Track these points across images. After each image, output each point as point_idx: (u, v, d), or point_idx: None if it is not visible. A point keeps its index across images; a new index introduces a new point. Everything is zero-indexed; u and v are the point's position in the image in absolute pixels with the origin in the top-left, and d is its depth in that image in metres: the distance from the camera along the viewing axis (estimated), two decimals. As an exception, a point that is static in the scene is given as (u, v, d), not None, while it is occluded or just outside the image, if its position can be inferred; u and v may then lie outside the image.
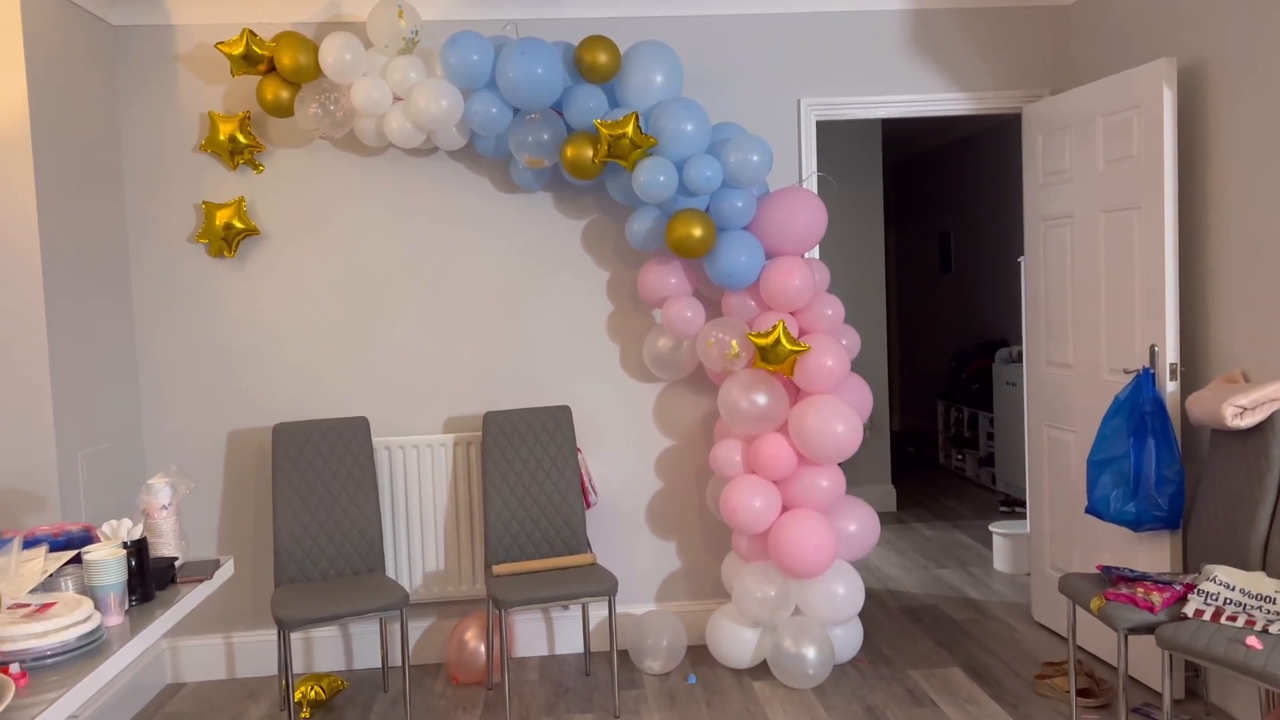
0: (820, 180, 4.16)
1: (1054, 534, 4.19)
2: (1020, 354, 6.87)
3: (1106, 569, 3.26)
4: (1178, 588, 3.02)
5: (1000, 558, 5.22)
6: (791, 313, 3.86)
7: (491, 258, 4.17)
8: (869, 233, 6.48)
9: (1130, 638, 3.55)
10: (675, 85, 3.82)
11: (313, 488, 3.86)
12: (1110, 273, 3.73)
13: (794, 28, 4.19)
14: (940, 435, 8.18)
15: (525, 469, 4.00)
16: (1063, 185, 4.00)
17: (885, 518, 6.40)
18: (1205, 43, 3.45)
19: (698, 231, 3.69)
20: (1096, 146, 3.77)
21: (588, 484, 4.07)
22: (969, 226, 8.27)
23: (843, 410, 3.71)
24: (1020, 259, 4.89)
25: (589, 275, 4.21)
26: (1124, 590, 3.07)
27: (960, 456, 7.73)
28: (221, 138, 4.01)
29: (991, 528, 5.27)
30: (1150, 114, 3.47)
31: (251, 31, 3.72)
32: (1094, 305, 3.83)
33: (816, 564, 3.69)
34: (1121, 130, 3.63)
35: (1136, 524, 3.44)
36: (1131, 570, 3.20)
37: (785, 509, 3.83)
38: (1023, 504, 6.41)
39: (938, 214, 8.93)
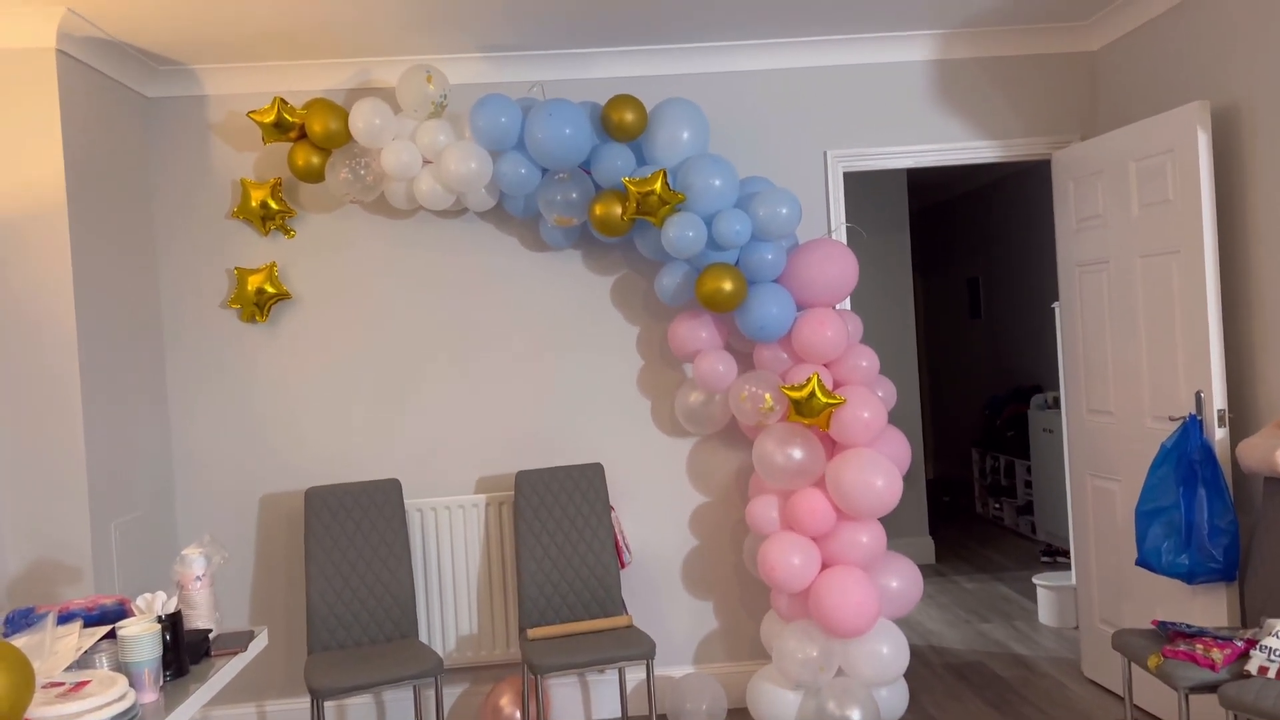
0: (849, 230, 4.13)
1: (1103, 586, 4.07)
2: (1056, 400, 6.77)
3: (1162, 624, 3.15)
4: (1239, 643, 2.91)
5: (1046, 611, 5.08)
6: (825, 365, 3.81)
7: (521, 316, 4.17)
8: (898, 280, 6.44)
9: (1191, 697, 3.42)
10: (702, 141, 3.83)
11: (345, 552, 3.83)
12: (1150, 318, 3.66)
13: (818, 81, 4.21)
14: (976, 483, 8.04)
15: (558, 529, 3.94)
16: (1097, 230, 3.95)
17: (924, 570, 6.26)
18: (1237, 85, 3.42)
19: (728, 285, 3.67)
20: (1130, 191, 3.73)
21: (622, 543, 4.01)
22: (997, 271, 8.21)
23: (881, 464, 3.64)
24: (1054, 305, 4.83)
25: (619, 331, 4.20)
26: (1183, 647, 2.96)
27: (998, 505, 7.59)
28: (253, 204, 4.05)
29: (1035, 580, 5.13)
30: (1184, 158, 3.43)
31: (282, 100, 3.77)
32: (1134, 351, 3.76)
33: (860, 623, 3.60)
34: (1155, 175, 3.58)
35: (1190, 576, 3.33)
36: (1189, 625, 3.09)
37: (825, 566, 3.75)
38: (1065, 553, 6.26)
39: (965, 259, 8.89)
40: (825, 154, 4.21)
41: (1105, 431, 3.98)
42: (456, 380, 4.15)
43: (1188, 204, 3.43)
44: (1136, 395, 3.76)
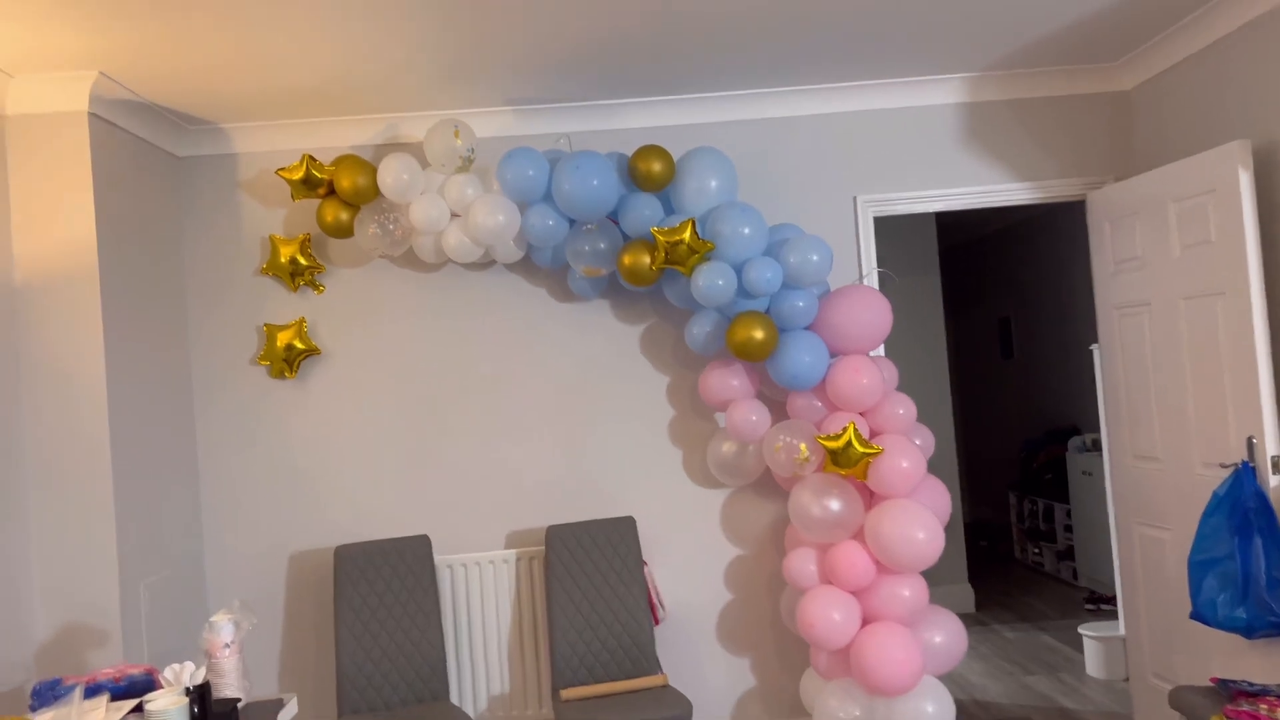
0: (881, 275, 4.08)
1: (1153, 639, 3.93)
2: (1095, 442, 6.63)
3: (1222, 682, 3.02)
4: (1306, 703, 2.77)
5: (1093, 662, 4.91)
6: (861, 413, 3.73)
7: (550, 368, 4.13)
8: (929, 321, 6.36)
9: (1253, 756, 3.26)
10: (730, 189, 3.80)
11: (375, 611, 3.76)
12: (1195, 361, 3.57)
13: (846, 126, 4.18)
14: (1014, 528, 7.86)
15: (590, 585, 3.87)
16: (1136, 272, 3.87)
17: (965, 619, 6.09)
18: (1276, 124, 3.35)
19: (759, 334, 3.61)
20: (1170, 232, 3.65)
21: (655, 599, 3.92)
22: (1029, 311, 8.10)
23: (922, 515, 3.54)
24: (1092, 346, 4.73)
25: (649, 381, 4.15)
26: (1245, 707, 2.83)
27: (1037, 550, 7.41)
28: (283, 260, 4.06)
29: (1081, 630, 4.98)
30: (1226, 198, 3.36)
31: (311, 157, 3.79)
32: (1180, 395, 3.65)
33: (903, 680, 3.48)
34: (1196, 215, 3.51)
35: (1249, 630, 3.20)
36: (1250, 683, 2.96)
37: (866, 621, 3.64)
38: (1110, 600, 6.09)
39: (996, 299, 8.79)
40: (855, 199, 4.17)
41: (1152, 478, 3.86)
42: (486, 433, 4.11)
43: (1231, 245, 3.35)
44: (1184, 441, 3.65)
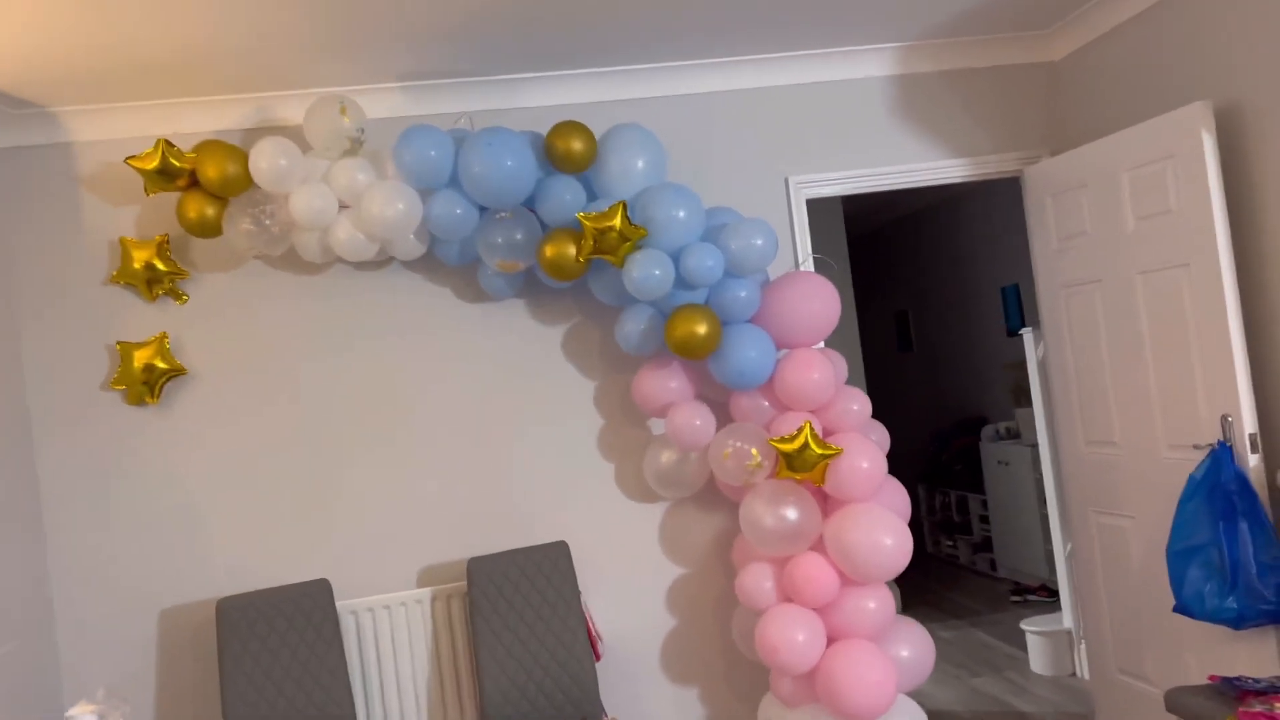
0: (817, 262, 3.77)
1: (1117, 633, 3.74)
2: (1009, 430, 6.55)
3: (1225, 680, 2.80)
4: (1324, 699, 2.57)
5: (1038, 659, 4.73)
6: (812, 411, 3.40)
7: (460, 378, 3.65)
8: (841, 315, 6.12)
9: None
10: (659, 170, 3.42)
11: (269, 671, 3.20)
12: (1157, 339, 3.38)
13: (774, 102, 3.85)
14: (925, 521, 7.75)
15: (521, 621, 3.40)
16: (1084, 249, 3.68)
17: (894, 621, 5.87)
18: (1229, 86, 3.20)
19: (701, 329, 3.23)
20: (1123, 204, 3.46)
21: (594, 633, 3.49)
22: (928, 302, 8.03)
23: (887, 520, 3.24)
24: (1024, 331, 4.56)
25: (574, 387, 3.72)
26: (1259, 708, 2.61)
27: (951, 543, 7.30)
28: (136, 266, 3.45)
29: (1024, 625, 4.80)
30: (1188, 163, 3.18)
31: (167, 142, 3.21)
32: (1140, 376, 3.47)
33: (878, 702, 3.15)
34: (1153, 184, 3.32)
35: (1239, 621, 3.01)
36: (1255, 680, 2.75)
37: (830, 640, 3.31)
38: (1034, 590, 5.98)
39: (893, 292, 8.71)
40: (787, 180, 3.85)
41: (1110, 464, 3.67)
42: (389, 457, 3.59)
43: (1195, 212, 3.17)
44: (1147, 423, 3.46)
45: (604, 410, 3.73)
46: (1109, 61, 3.74)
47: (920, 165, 3.93)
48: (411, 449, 3.61)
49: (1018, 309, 6.65)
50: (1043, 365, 4.46)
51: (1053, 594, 5.80)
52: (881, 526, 3.21)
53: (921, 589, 6.63)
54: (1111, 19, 3.67)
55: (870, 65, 3.88)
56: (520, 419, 3.67)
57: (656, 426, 3.74)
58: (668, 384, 3.50)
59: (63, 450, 3.42)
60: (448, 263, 3.49)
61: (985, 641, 5.32)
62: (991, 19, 3.73)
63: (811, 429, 3.23)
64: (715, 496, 3.72)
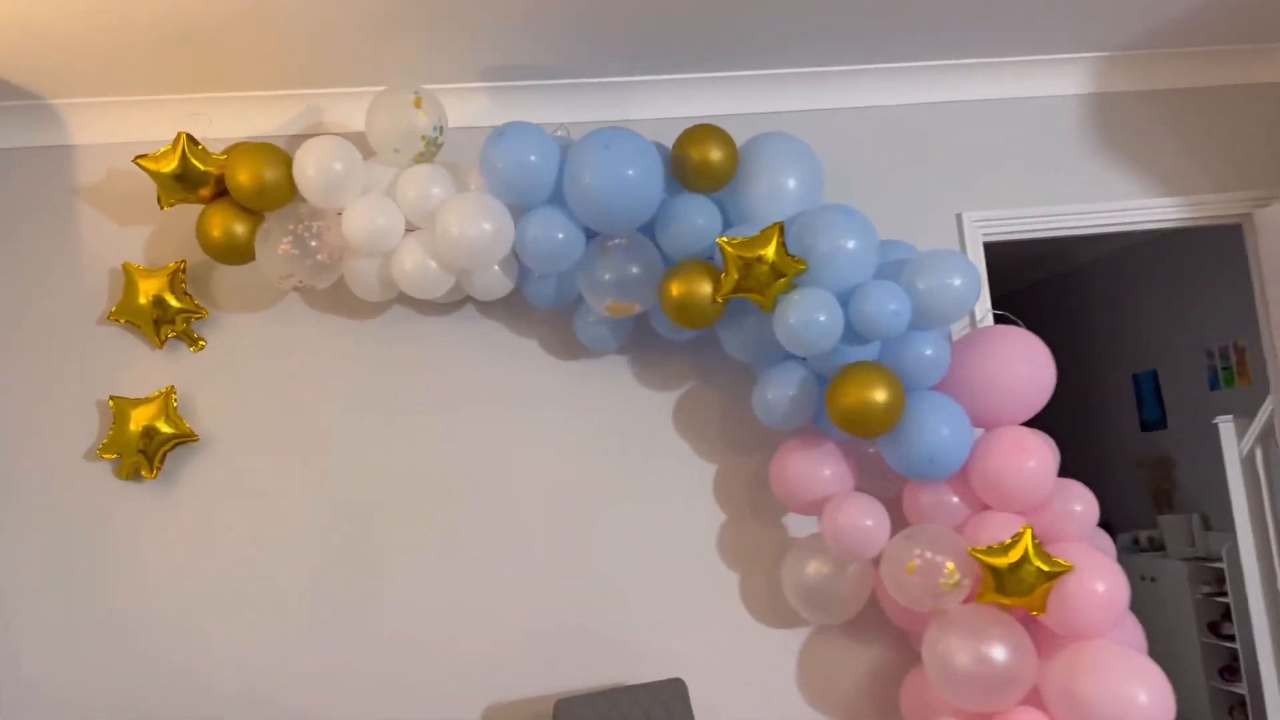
0: (998, 320, 2.97)
1: None
2: (1152, 540, 5.60)
3: None
4: None
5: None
6: (1018, 513, 2.54)
7: (544, 458, 2.83)
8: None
9: None
10: (813, 193, 2.66)
11: None
12: None
13: (948, 121, 3.10)
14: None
15: (623, 789, 2.50)
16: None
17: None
18: None
19: (880, 395, 2.40)
20: None
21: (721, 805, 2.58)
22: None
23: (1137, 666, 2.34)
24: (1219, 420, 3.68)
25: (688, 471, 2.89)
26: None
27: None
28: (142, 301, 2.70)
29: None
30: None
31: (190, 137, 2.49)
32: None
33: None
34: None
35: None
36: None
37: (1057, 833, 2.38)
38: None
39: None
40: (960, 217, 3.07)
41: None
42: (447, 559, 2.76)
43: None
44: None
45: (726, 502, 2.88)
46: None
47: (1122, 205, 3.14)
48: (478, 547, 2.77)
49: (1156, 400, 5.77)
50: (1248, 462, 3.60)
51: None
52: (1132, 675, 2.32)
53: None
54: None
55: (1061, 80, 3.13)
56: (619, 512, 2.84)
57: (795, 525, 2.89)
58: (820, 470, 2.66)
59: (26, 532, 2.63)
60: (538, 305, 2.72)
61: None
62: (1212, 29, 2.99)
63: (1033, 538, 2.37)
64: (876, 622, 2.81)
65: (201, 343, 2.77)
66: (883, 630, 2.84)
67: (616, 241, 2.54)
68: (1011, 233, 3.11)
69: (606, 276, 2.55)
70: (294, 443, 2.75)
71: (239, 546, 2.70)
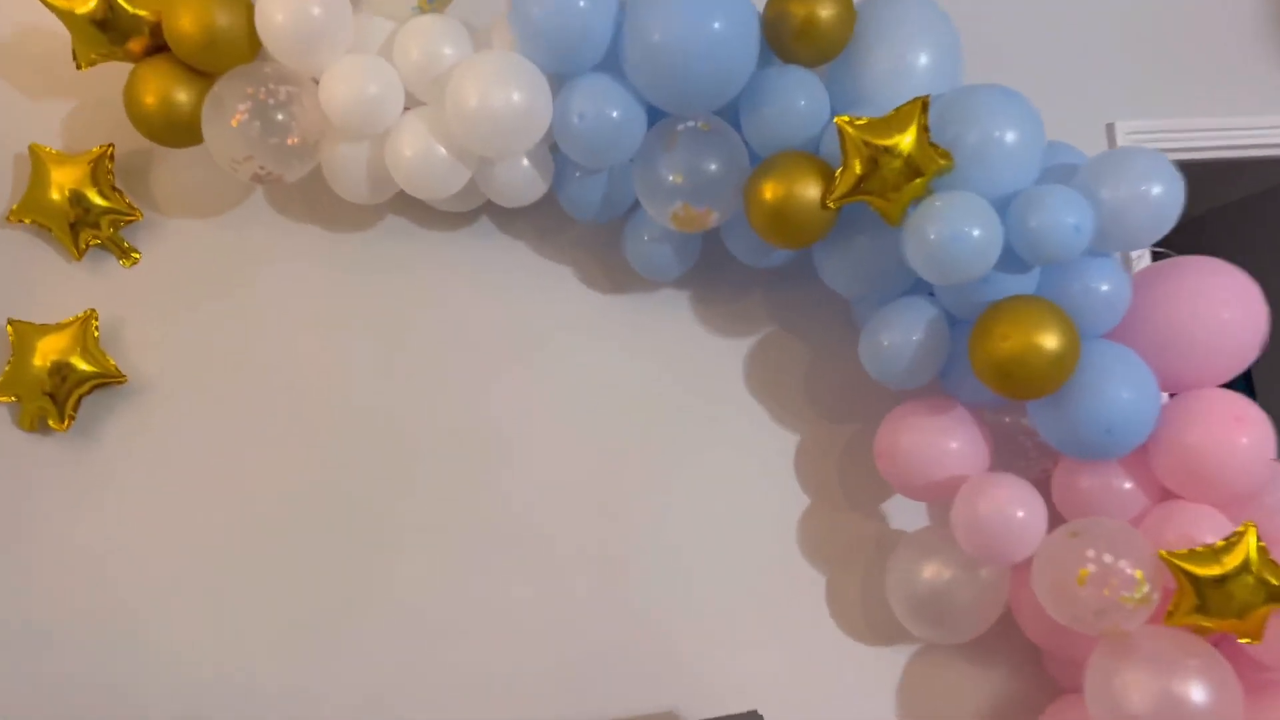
0: (1156, 256, 2.33)
1: None
2: None
3: None
4: None
5: None
6: (1218, 506, 1.91)
7: (574, 421, 2.19)
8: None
9: None
10: (949, 77, 1.99)
11: None
12: None
13: (1111, 5, 2.44)
14: None
15: None
16: None
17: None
18: None
19: (1051, 341, 1.76)
20: None
21: None
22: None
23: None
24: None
25: (764, 441, 2.25)
26: None
27: None
28: (55, 196, 2.04)
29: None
30: None
31: (114, -35, 1.83)
32: None
33: None
34: None
35: None
36: None
37: None
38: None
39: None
40: (1111, 127, 2.42)
41: None
42: (452, 544, 2.12)
43: None
44: None
45: (812, 483, 2.24)
46: None
47: (1309, 120, 2.49)
48: (497, 532, 2.13)
49: None
50: None
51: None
52: (1389, 732, 1.69)
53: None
54: None
55: (1243, -43, 2.48)
56: (673, 494, 2.20)
57: (899, 515, 2.25)
58: (945, 443, 2.01)
59: (-106, 502, 1.98)
60: (577, 216, 2.06)
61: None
62: None
63: (1257, 539, 1.73)
64: (1004, 641, 2.18)
65: (135, 255, 2.12)
66: (1012, 651, 2.20)
67: (690, 124, 1.88)
68: (1175, 149, 2.45)
69: (671, 176, 1.89)
70: (254, 389, 2.10)
71: (180, 525, 2.06)
